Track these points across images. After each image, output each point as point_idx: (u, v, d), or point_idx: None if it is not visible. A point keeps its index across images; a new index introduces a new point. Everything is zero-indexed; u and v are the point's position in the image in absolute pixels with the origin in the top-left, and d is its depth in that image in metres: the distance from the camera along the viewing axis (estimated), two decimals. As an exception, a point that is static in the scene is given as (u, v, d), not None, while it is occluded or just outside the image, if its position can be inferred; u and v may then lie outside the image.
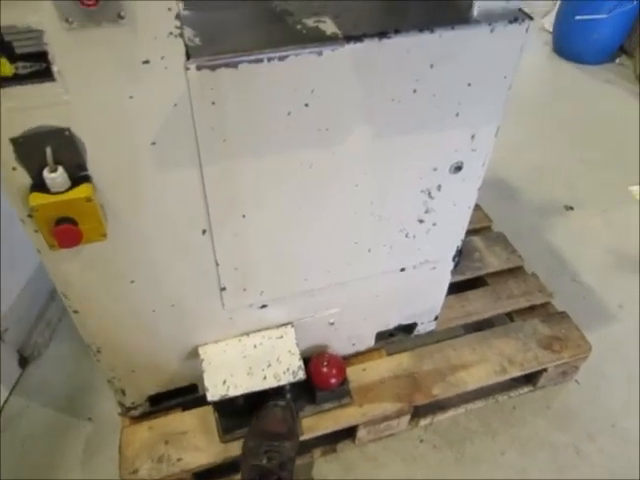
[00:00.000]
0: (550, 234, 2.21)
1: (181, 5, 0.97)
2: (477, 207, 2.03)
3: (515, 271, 1.81)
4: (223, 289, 1.16)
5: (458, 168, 1.16)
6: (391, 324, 1.50)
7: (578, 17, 3.11)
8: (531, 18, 0.98)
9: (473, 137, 1.11)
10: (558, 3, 3.37)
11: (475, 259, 1.84)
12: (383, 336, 1.52)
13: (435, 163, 1.13)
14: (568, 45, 3.34)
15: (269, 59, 0.85)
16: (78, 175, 0.85)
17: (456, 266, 1.44)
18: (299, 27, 0.92)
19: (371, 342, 1.51)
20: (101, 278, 1.04)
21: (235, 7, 1.00)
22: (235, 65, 0.84)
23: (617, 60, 3.35)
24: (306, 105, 0.92)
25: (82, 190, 0.83)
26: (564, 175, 2.50)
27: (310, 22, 0.93)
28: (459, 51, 0.96)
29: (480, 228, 1.98)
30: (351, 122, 0.98)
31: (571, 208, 2.33)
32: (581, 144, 2.68)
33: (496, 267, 1.81)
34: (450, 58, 0.96)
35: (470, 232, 1.84)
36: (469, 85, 1.01)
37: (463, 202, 1.25)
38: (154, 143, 0.88)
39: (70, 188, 0.83)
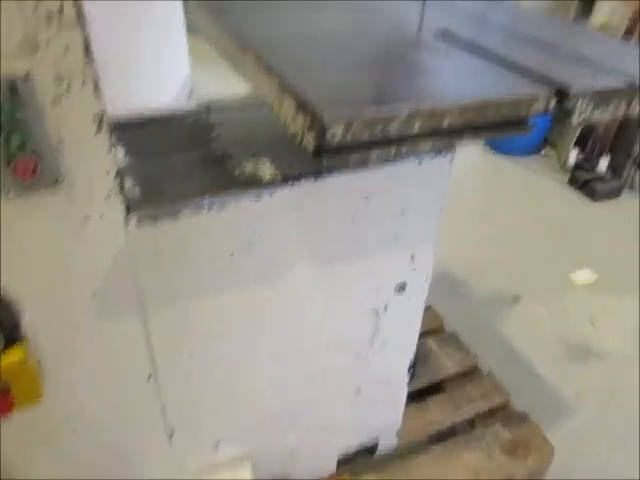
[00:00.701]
0: (500, 327, 2.26)
1: (122, 152, 1.01)
2: (427, 307, 2.06)
3: (471, 372, 1.82)
4: (172, 431, 1.10)
5: (402, 287, 1.19)
6: (352, 446, 1.45)
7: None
8: (454, 149, 1.06)
9: (413, 257, 1.15)
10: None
11: (430, 363, 1.84)
12: (345, 459, 1.46)
13: (379, 285, 1.15)
14: (498, 140, 3.64)
15: (209, 207, 0.87)
16: (13, 336, 0.82)
17: (412, 377, 1.43)
18: (238, 172, 0.95)
19: (333, 466, 1.44)
20: (39, 435, 0.97)
21: (177, 151, 1.04)
22: (175, 215, 0.85)
23: (542, 152, 3.65)
24: (248, 245, 0.94)
25: (15, 353, 0.79)
26: (507, 266, 2.60)
27: (249, 165, 0.97)
28: (391, 184, 1.02)
29: (432, 329, 2.00)
30: (294, 256, 1.01)
31: (518, 299, 2.41)
32: (519, 233, 2.83)
33: (452, 370, 1.81)
34: (383, 190, 1.02)
35: (423, 334, 1.86)
36: (403, 212, 1.07)
37: (411, 317, 1.27)
38: (94, 295, 0.87)
39: (5, 348, 0.80)
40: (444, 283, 2.43)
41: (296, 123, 0.67)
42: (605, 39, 1.09)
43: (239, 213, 0.90)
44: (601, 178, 3.05)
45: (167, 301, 0.93)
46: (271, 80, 0.72)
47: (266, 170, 0.94)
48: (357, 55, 0.84)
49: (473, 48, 0.90)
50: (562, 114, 0.77)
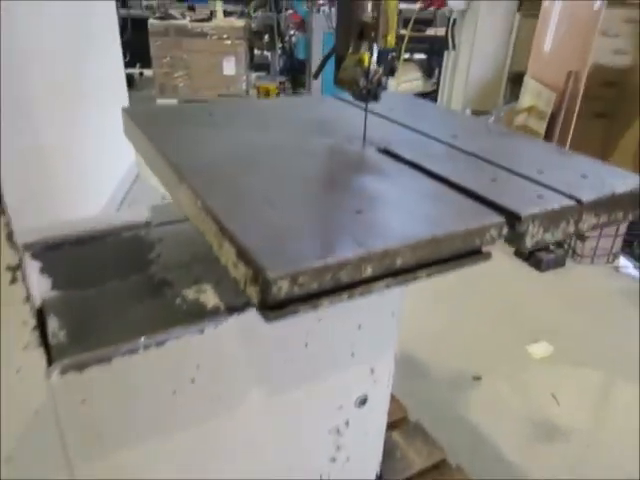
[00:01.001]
0: (464, 409, 2.19)
1: (48, 284, 0.92)
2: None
3: (440, 466, 1.72)
4: None
5: (363, 401, 1.11)
6: None
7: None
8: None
9: (372, 370, 1.09)
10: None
11: (397, 459, 1.74)
12: None
13: (339, 402, 1.08)
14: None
15: (145, 347, 0.78)
16: None
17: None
18: (178, 301, 0.88)
19: None
20: None
21: (112, 278, 0.95)
22: (107, 360, 0.76)
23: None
24: (192, 381, 0.85)
25: None
26: (464, 343, 2.57)
27: (190, 293, 0.89)
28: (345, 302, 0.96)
29: (396, 421, 1.91)
30: (244, 385, 0.92)
31: (478, 378, 2.36)
32: (472, 309, 2.82)
33: (420, 465, 1.71)
34: (337, 309, 0.95)
35: (387, 427, 1.77)
36: (359, 327, 1.01)
37: (374, 429, 1.20)
38: (9, 459, 0.75)
39: None
40: (403, 365, 2.36)
41: (238, 271, 0.61)
42: (540, 147, 1.11)
43: (180, 349, 0.81)
44: (545, 248, 3.14)
45: (98, 453, 0.82)
46: (209, 221, 0.66)
47: (209, 300, 0.86)
48: (300, 183, 0.81)
49: (416, 166, 0.89)
50: (515, 237, 0.74)
